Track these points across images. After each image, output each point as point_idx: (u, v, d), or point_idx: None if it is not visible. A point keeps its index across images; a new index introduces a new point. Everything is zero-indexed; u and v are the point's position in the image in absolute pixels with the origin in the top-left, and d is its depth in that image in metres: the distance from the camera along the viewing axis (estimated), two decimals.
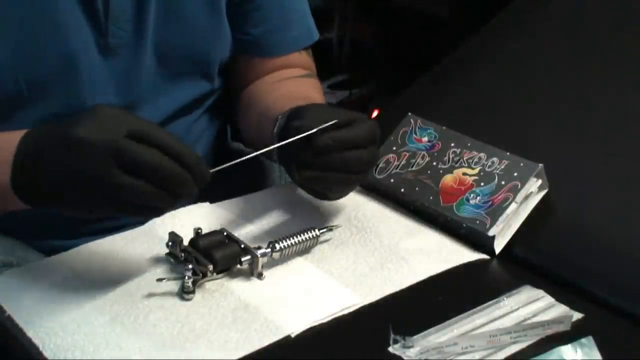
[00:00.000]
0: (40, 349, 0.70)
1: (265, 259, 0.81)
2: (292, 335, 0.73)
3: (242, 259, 0.80)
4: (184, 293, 0.77)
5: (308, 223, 0.87)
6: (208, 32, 0.99)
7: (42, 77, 0.89)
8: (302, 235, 0.84)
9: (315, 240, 0.85)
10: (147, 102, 0.97)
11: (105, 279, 0.80)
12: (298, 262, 0.84)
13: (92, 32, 0.91)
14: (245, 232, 0.88)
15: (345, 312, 0.76)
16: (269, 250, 0.81)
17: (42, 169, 0.73)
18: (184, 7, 0.96)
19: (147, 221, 0.89)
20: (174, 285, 0.78)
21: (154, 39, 0.95)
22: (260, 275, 0.81)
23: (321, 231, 0.86)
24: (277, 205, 0.94)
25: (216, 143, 1.10)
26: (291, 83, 1.05)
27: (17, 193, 0.76)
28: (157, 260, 0.83)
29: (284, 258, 0.83)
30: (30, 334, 0.72)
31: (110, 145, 0.70)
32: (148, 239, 0.87)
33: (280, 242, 0.82)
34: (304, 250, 0.85)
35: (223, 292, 0.78)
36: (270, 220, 0.91)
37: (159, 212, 0.75)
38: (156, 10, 0.94)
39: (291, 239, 0.83)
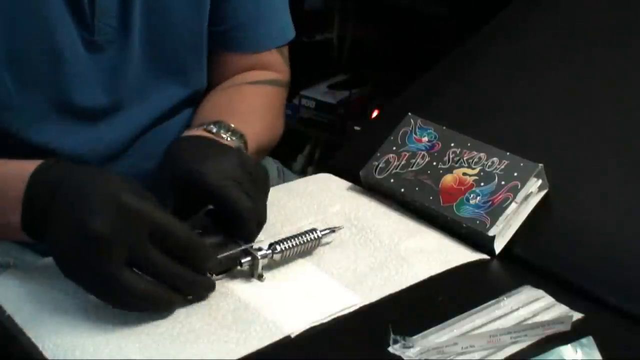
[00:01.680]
0: (40, 349, 0.70)
1: (265, 261, 0.81)
2: (292, 336, 0.73)
3: (243, 261, 0.80)
4: None
5: (309, 224, 0.87)
6: (196, 26, 0.98)
7: (28, 74, 0.88)
8: (303, 237, 0.83)
9: (317, 242, 0.85)
10: (135, 100, 0.96)
11: None
12: (298, 263, 0.84)
13: (77, 28, 0.90)
14: None
15: (345, 312, 0.76)
16: (270, 252, 0.81)
17: (51, 239, 0.73)
18: (169, 1, 0.95)
19: None
20: None
21: (140, 35, 0.94)
22: (260, 277, 0.80)
23: (323, 233, 0.85)
24: (277, 206, 0.94)
25: None
26: (238, 92, 1.03)
27: (30, 235, 0.76)
28: None
29: (285, 260, 0.83)
30: (30, 334, 0.72)
31: (126, 247, 0.69)
32: None
33: (281, 244, 0.82)
34: (305, 251, 0.84)
35: (223, 292, 0.78)
36: (269, 221, 0.91)
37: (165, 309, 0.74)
38: (142, 5, 0.93)
39: (292, 240, 0.83)
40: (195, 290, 0.75)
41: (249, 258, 0.80)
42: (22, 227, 0.75)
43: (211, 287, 0.76)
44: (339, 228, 0.88)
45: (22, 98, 0.89)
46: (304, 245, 0.83)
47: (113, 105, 0.95)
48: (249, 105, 1.01)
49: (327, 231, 0.86)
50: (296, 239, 0.83)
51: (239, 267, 0.80)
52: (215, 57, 1.05)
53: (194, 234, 0.74)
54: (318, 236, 0.84)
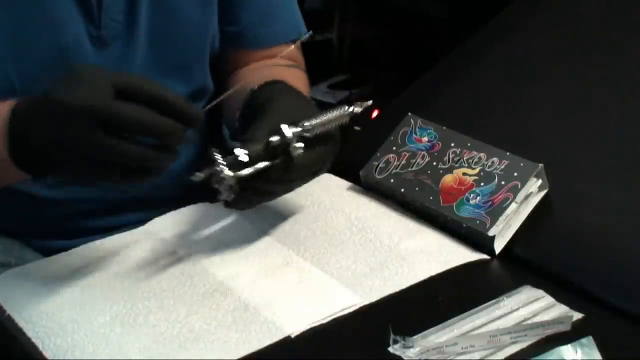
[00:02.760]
0: (40, 349, 0.70)
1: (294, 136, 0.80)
2: (292, 336, 0.73)
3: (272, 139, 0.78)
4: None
5: (308, 224, 0.87)
6: (201, 23, 0.99)
7: (33, 70, 0.89)
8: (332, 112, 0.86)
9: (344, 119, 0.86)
10: None
11: (105, 279, 0.80)
12: (298, 262, 0.84)
13: (84, 23, 0.90)
14: (246, 230, 0.88)
15: (345, 312, 0.76)
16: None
17: (34, 139, 0.74)
18: None
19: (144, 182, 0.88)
20: (173, 286, 0.78)
21: (147, 31, 0.94)
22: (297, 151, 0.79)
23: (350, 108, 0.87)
24: (277, 206, 0.94)
25: (215, 142, 1.10)
26: (275, 69, 1.05)
27: (17, 164, 0.76)
28: (156, 260, 0.83)
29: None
30: (30, 334, 0.72)
31: (93, 110, 0.69)
32: (148, 239, 0.87)
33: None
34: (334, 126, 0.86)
35: (223, 292, 0.78)
36: (274, 219, 0.91)
37: (156, 171, 0.74)
38: (149, 1, 0.93)
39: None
40: (177, 136, 0.73)
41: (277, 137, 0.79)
42: (12, 159, 0.76)
43: (196, 119, 0.75)
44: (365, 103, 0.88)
45: (25, 93, 0.89)
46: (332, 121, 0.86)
47: None
48: (293, 80, 1.02)
49: (351, 108, 0.88)
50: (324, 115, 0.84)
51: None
52: (229, 52, 1.06)
53: (165, 88, 0.74)
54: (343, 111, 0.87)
